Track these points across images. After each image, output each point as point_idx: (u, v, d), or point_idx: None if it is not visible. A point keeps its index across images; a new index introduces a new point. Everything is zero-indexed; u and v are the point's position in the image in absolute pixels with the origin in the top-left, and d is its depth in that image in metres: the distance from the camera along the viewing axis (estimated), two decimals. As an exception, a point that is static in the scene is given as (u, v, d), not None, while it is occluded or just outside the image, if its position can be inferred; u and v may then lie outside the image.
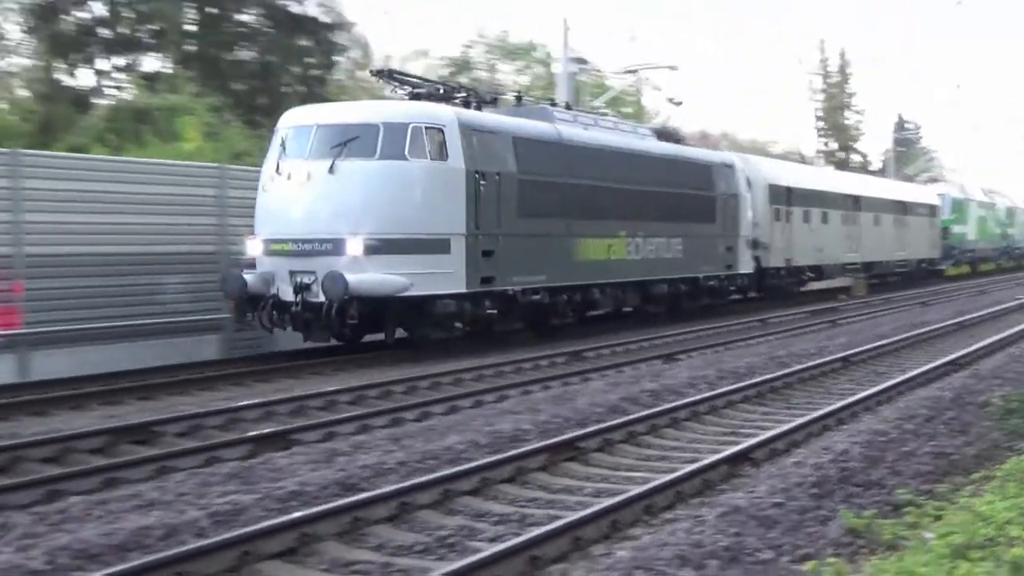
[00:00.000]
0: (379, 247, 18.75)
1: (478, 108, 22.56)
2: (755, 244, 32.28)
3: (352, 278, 17.98)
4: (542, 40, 56.31)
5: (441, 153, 19.76)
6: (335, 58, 38.83)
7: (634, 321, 26.95)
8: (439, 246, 19.59)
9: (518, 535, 8.03)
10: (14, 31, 37.56)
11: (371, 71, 26.57)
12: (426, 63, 52.90)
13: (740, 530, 7.90)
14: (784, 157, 58.98)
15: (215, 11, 35.16)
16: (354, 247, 18.57)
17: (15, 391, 15.55)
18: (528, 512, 9.13)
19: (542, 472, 10.52)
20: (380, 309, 19.31)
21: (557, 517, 8.56)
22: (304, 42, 36.40)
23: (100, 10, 35.60)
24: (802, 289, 37.91)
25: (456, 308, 19.97)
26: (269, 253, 19.21)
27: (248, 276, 18.92)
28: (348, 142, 19.11)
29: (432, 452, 10.93)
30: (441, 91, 22.36)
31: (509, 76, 54.59)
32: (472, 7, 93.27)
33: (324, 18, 37.20)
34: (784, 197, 35.16)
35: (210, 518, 8.47)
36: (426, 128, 19.60)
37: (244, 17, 36.24)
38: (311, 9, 37.21)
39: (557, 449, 11.02)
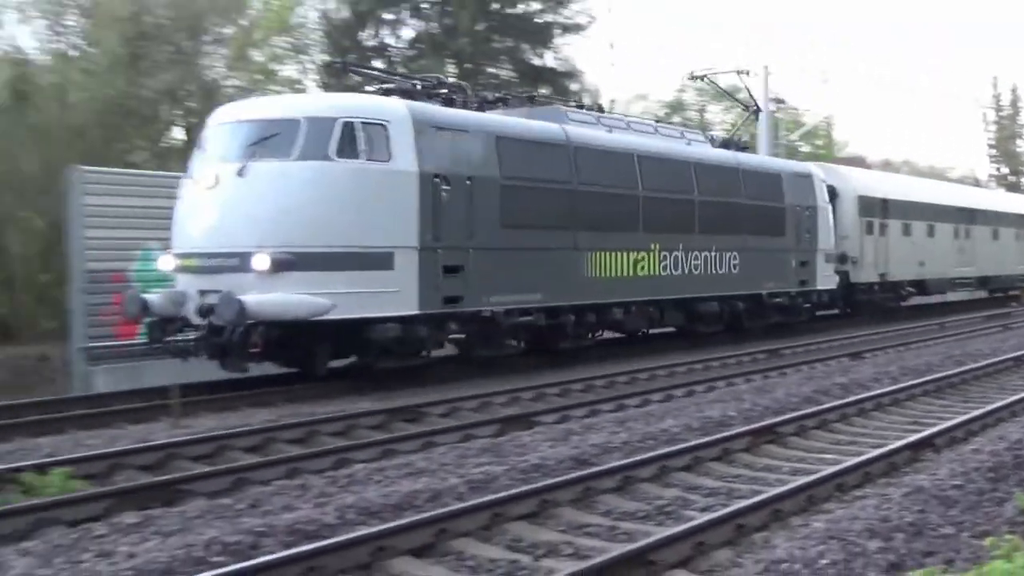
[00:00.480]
0: (292, 262, 13.60)
1: (479, 108, 17.63)
2: (842, 258, 26.51)
3: (251, 299, 13.14)
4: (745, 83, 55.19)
5: (382, 153, 14.43)
6: (571, 99, 39.00)
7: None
8: (377, 261, 14.28)
9: (726, 506, 7.85)
10: (312, 87, 39.16)
11: (322, 63, 19.86)
12: (644, 104, 52.62)
13: (923, 508, 7.54)
14: (960, 181, 56.03)
15: (471, 66, 35.76)
16: (260, 263, 13.49)
17: (311, 380, 16.01)
18: (734, 487, 8.94)
19: (746, 453, 10.26)
20: (301, 335, 14.15)
21: (759, 492, 8.34)
22: (544, 90, 36.69)
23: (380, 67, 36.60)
24: (903, 304, 31.05)
25: (403, 332, 14.63)
26: (180, 270, 14.40)
27: (151, 296, 14.24)
28: (263, 140, 14.23)
29: (651, 433, 10.81)
30: (419, 87, 16.92)
31: (717, 115, 53.74)
32: (685, 55, 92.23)
33: (560, 69, 37.36)
34: (878, 209, 28.88)
35: (467, 485, 8.56)
36: (362, 124, 14.33)
37: (495, 71, 36.72)
38: (549, 62, 37.44)
39: (759, 433, 10.75)
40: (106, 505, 8.11)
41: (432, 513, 7.40)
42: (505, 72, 37.22)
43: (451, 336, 16.17)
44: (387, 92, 16.20)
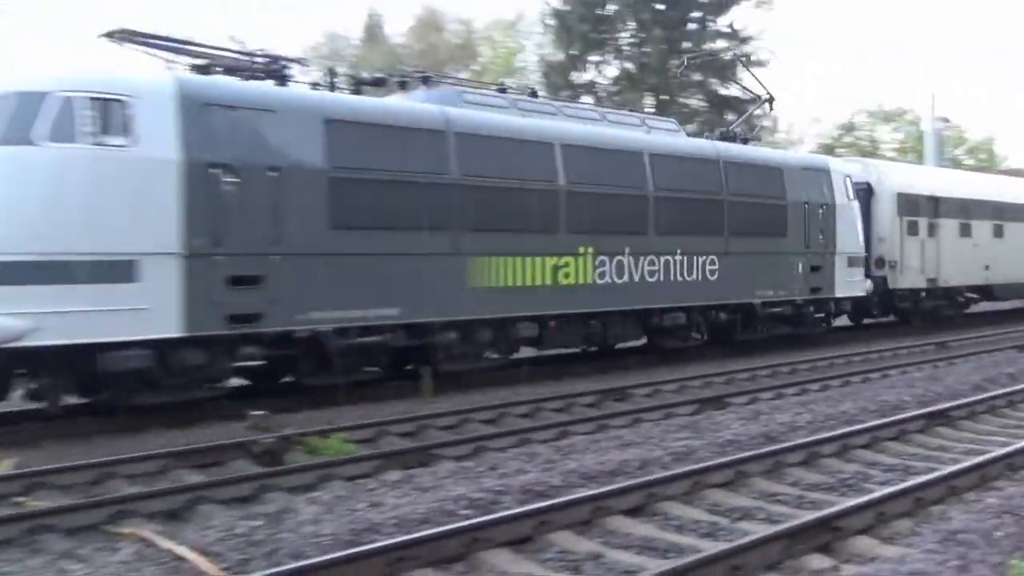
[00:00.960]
0: None
1: (355, 92, 13.46)
2: (879, 262, 21.10)
3: None
4: (911, 105, 52.48)
5: (121, 136, 10.03)
6: (753, 124, 38.07)
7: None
8: (109, 271, 9.87)
9: (903, 481, 7.44)
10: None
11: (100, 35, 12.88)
12: (819, 128, 50.81)
13: (1093, 487, 6.98)
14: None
15: (667, 98, 35.46)
16: None
17: (537, 365, 16.09)
18: (910, 464, 8.45)
19: (920, 434, 9.70)
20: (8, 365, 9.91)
21: (935, 469, 7.89)
22: (730, 116, 36.04)
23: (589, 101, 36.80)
24: (966, 312, 24.75)
25: (158, 360, 10.28)
26: None
27: None
28: None
29: (831, 415, 10.40)
30: (254, 63, 12.19)
31: (886, 135, 51.39)
32: (854, 81, 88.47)
33: (743, 97, 36.58)
34: (925, 208, 22.60)
35: (670, 456, 8.45)
36: (90, 99, 9.95)
37: (687, 100, 36.30)
38: (734, 91, 36.69)
39: (932, 416, 10.17)
40: (375, 465, 8.41)
41: (642, 479, 7.34)
42: (695, 102, 36.72)
43: (244, 363, 11.37)
44: (204, 69, 11.77)
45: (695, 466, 7.77)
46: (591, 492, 6.95)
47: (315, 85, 12.81)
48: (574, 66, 35.68)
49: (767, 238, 17.46)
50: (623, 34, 36.08)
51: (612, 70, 36.59)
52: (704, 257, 16.16)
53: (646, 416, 10.94)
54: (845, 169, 19.96)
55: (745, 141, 18.87)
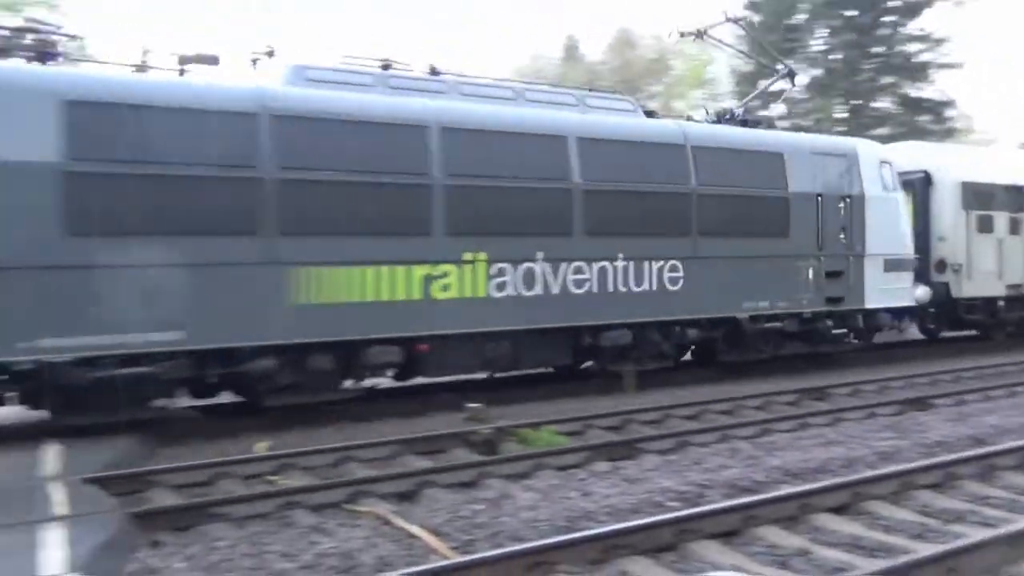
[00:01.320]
0: None
1: (181, 72, 10.01)
2: (941, 266, 16.80)
3: None
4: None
5: None
6: (947, 126, 35.74)
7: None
8: None
9: None
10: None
11: None
12: (1018, 126, 47.00)
13: None
14: None
15: (859, 102, 33.83)
16: None
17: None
18: None
19: None
20: None
21: None
22: (923, 118, 33.93)
23: (780, 110, 35.64)
24: None
25: None
26: None
27: None
28: None
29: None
30: (20, 41, 9.29)
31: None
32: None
33: (938, 99, 34.38)
34: (1004, 200, 17.60)
35: (875, 455, 8.04)
36: None
37: (879, 104, 34.50)
38: (927, 93, 34.55)
39: None
40: (584, 456, 8.39)
41: (848, 478, 6.95)
42: (887, 104, 34.87)
43: None
44: None
45: (903, 466, 7.30)
46: (797, 489, 6.66)
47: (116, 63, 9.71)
48: (763, 75, 34.61)
49: (759, 238, 13.54)
50: (813, 42, 34.70)
51: (802, 78, 35.27)
52: (661, 263, 12.53)
53: (847, 415, 10.41)
54: (881, 153, 15.49)
55: (744, 123, 14.95)
